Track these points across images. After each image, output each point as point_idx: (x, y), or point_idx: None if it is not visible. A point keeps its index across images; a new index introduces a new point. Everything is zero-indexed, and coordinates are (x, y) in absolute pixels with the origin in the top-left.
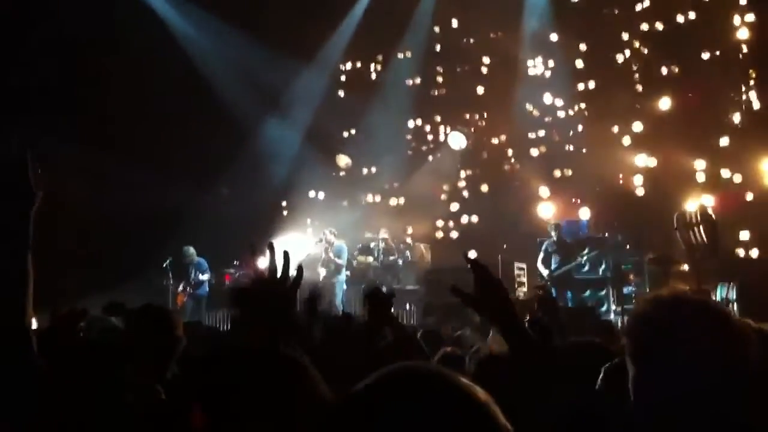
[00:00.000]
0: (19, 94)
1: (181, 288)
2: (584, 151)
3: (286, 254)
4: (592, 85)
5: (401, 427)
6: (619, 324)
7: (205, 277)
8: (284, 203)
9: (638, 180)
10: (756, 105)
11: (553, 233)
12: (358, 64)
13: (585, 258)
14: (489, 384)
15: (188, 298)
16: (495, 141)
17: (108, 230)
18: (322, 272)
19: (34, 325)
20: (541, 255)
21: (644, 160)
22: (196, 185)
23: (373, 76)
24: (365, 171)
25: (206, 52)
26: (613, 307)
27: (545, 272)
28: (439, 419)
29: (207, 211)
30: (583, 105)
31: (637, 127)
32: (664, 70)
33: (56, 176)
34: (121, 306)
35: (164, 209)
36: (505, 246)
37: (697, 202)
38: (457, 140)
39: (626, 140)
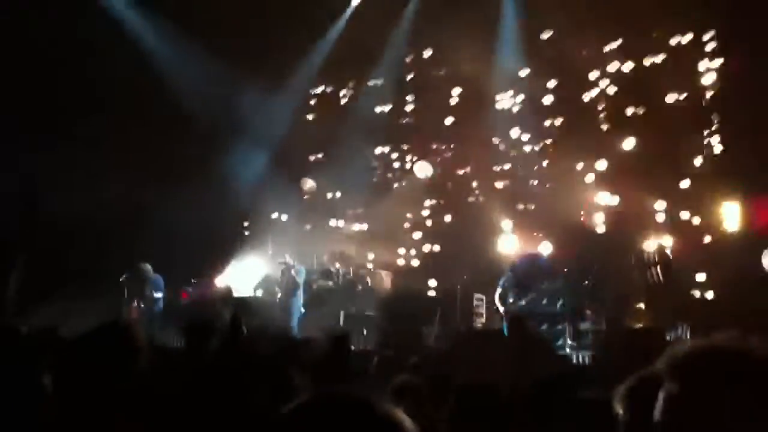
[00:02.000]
0: None
1: (134, 304)
2: (548, 186)
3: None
4: (558, 121)
5: None
6: (574, 359)
7: (159, 294)
8: (246, 223)
9: (600, 217)
10: (717, 150)
11: (508, 269)
12: (329, 89)
13: (542, 288)
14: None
15: (141, 315)
16: (460, 172)
17: (62, 240)
18: (279, 293)
19: None
20: (499, 290)
21: (607, 199)
22: (157, 199)
23: (343, 101)
24: (330, 195)
25: (177, 69)
26: (569, 342)
27: (501, 308)
28: None
29: (167, 226)
30: (549, 141)
31: (601, 165)
32: (630, 111)
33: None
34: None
35: (123, 223)
36: (465, 277)
37: (656, 243)
38: (424, 169)
39: (590, 177)
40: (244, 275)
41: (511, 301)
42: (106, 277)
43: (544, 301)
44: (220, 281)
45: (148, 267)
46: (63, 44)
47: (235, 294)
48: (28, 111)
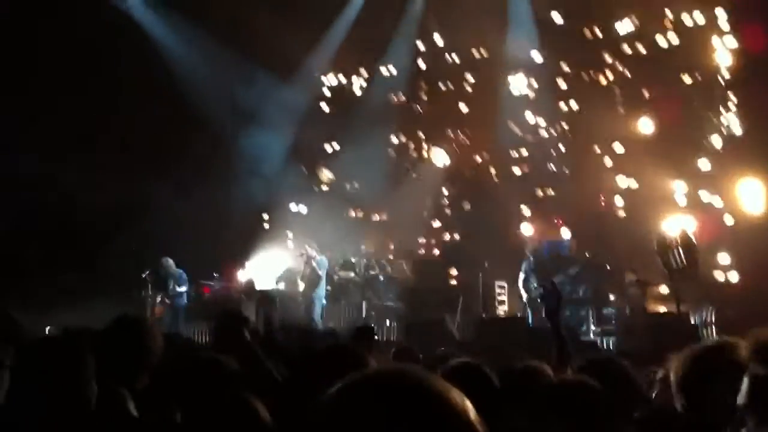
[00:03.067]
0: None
1: (159, 299)
2: (566, 171)
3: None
4: (574, 105)
5: (377, 427)
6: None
7: (183, 288)
8: (265, 216)
9: (619, 201)
10: (736, 129)
11: (530, 254)
12: (342, 79)
13: (565, 276)
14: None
15: (166, 310)
16: (478, 159)
17: (84, 239)
18: (302, 286)
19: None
20: (521, 276)
21: (625, 182)
22: (177, 196)
23: (358, 91)
24: (348, 186)
25: (190, 63)
26: (593, 327)
27: (525, 295)
28: (417, 420)
29: (187, 221)
30: (565, 125)
31: (619, 148)
32: (646, 93)
33: (37, 179)
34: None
35: (144, 219)
36: (486, 264)
37: (677, 225)
38: (440, 157)
39: (607, 161)
40: (265, 268)
41: (534, 286)
42: (128, 273)
43: (567, 287)
44: (242, 275)
45: (171, 262)
46: (75, 39)
47: (258, 287)
48: (46, 111)
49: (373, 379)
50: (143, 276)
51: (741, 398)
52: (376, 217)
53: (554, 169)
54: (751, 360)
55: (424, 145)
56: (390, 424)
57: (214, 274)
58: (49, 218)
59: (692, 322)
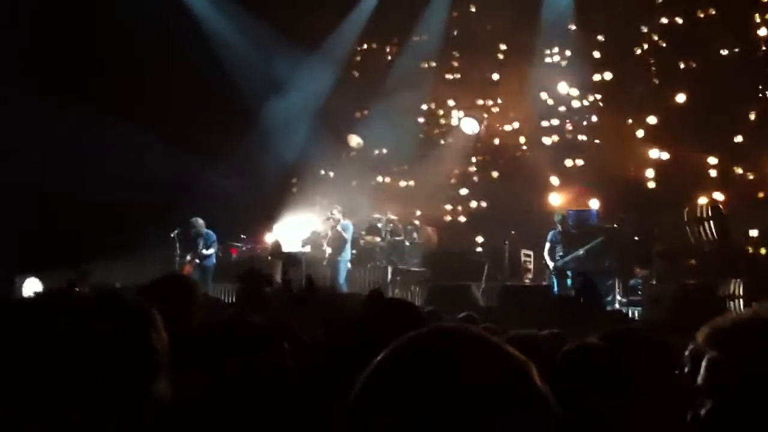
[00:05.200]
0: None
1: (188, 259)
2: (597, 141)
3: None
4: (608, 76)
5: (442, 383)
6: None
7: (212, 249)
8: (294, 180)
9: (650, 173)
10: None
11: (558, 224)
12: (374, 46)
13: (584, 250)
14: None
15: (195, 270)
16: (508, 128)
17: (115, 199)
18: (328, 250)
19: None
20: (547, 245)
21: (657, 154)
22: (207, 159)
23: (389, 57)
24: (376, 152)
25: (222, 32)
26: (619, 298)
27: (551, 263)
28: (480, 377)
29: (217, 184)
30: (598, 96)
31: (652, 120)
32: (682, 65)
33: (72, 143)
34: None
35: (174, 181)
36: (513, 233)
37: (708, 198)
38: (470, 125)
39: (640, 133)
40: (292, 231)
41: (560, 255)
42: (156, 235)
43: (593, 257)
44: (269, 237)
45: (201, 222)
46: (104, 14)
47: (284, 249)
48: (77, 82)
49: (437, 334)
50: (172, 235)
51: (699, 380)
52: (402, 183)
53: (585, 140)
54: (706, 345)
55: (454, 113)
56: (455, 379)
57: (242, 236)
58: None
59: (719, 294)
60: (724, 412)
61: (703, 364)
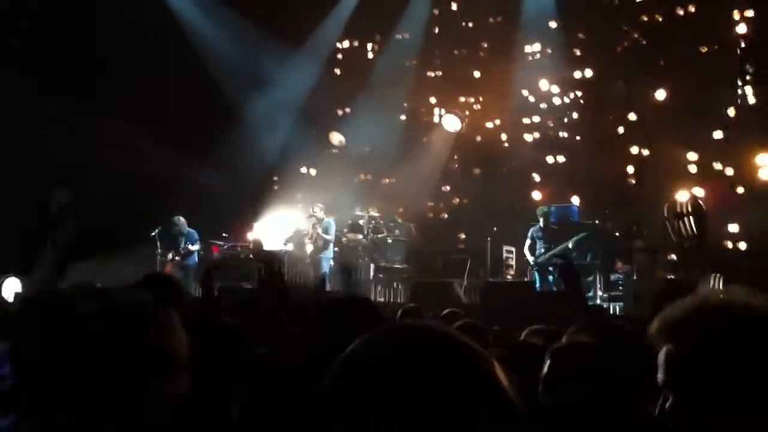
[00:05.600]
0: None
1: (170, 257)
2: (578, 138)
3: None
4: (588, 73)
5: (405, 380)
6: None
7: (195, 247)
8: (275, 178)
9: (630, 169)
10: (751, 100)
11: (540, 219)
12: (356, 43)
13: (572, 242)
14: None
15: (176, 268)
16: (489, 125)
17: (94, 196)
18: (309, 248)
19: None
20: (528, 242)
21: (637, 150)
22: (187, 156)
23: (370, 55)
24: (358, 150)
25: (204, 29)
26: (600, 294)
27: (531, 259)
28: (442, 374)
29: (198, 182)
30: (579, 93)
31: (632, 117)
32: (662, 62)
33: (45, 135)
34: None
35: (154, 179)
36: (495, 229)
37: (688, 194)
38: (452, 123)
39: (620, 129)
40: (274, 229)
41: (541, 251)
42: (137, 233)
43: (574, 253)
44: (251, 235)
45: (183, 220)
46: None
47: (266, 248)
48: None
49: (400, 331)
50: (153, 234)
51: (659, 375)
52: (385, 181)
53: (566, 136)
54: (660, 338)
55: (436, 110)
56: (418, 376)
57: (224, 234)
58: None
59: (700, 289)
60: (687, 406)
61: (660, 357)
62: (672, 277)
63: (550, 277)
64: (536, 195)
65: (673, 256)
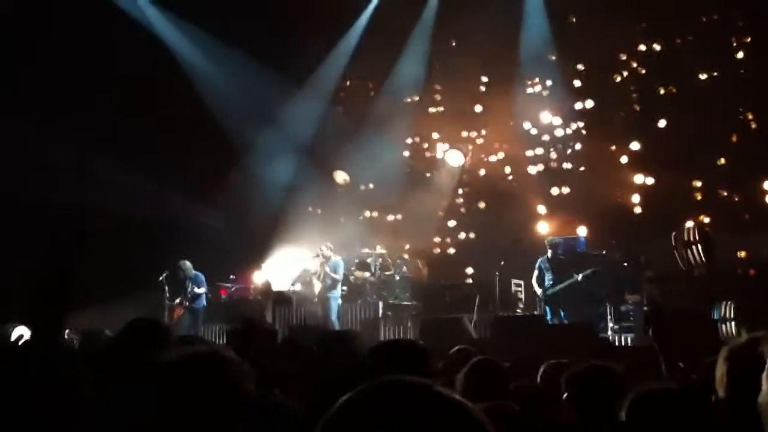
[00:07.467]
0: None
1: (177, 302)
2: (582, 169)
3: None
4: (589, 104)
5: None
6: (617, 342)
7: (202, 290)
8: (282, 218)
9: (636, 198)
10: (753, 125)
11: (549, 248)
12: (357, 82)
13: (581, 276)
14: None
15: (185, 312)
16: (493, 158)
17: (102, 242)
18: (318, 287)
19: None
20: (535, 273)
21: (642, 179)
22: (193, 199)
23: (372, 93)
24: (363, 187)
25: (208, 70)
26: (611, 325)
27: (539, 291)
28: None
29: (203, 225)
30: (581, 123)
31: (635, 146)
32: (662, 90)
33: (54, 180)
34: None
35: (160, 223)
36: (502, 263)
37: (695, 221)
38: (455, 158)
39: (624, 159)
40: (281, 270)
41: (549, 282)
42: (145, 278)
43: (584, 284)
44: (258, 277)
45: (189, 264)
46: (90, 48)
47: (274, 289)
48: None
49: (383, 389)
50: (160, 278)
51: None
52: (390, 218)
53: (570, 168)
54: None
55: (438, 146)
56: None
57: (231, 276)
58: (67, 220)
59: (711, 317)
60: None
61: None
62: (683, 306)
63: (561, 312)
64: (542, 227)
65: (683, 285)
